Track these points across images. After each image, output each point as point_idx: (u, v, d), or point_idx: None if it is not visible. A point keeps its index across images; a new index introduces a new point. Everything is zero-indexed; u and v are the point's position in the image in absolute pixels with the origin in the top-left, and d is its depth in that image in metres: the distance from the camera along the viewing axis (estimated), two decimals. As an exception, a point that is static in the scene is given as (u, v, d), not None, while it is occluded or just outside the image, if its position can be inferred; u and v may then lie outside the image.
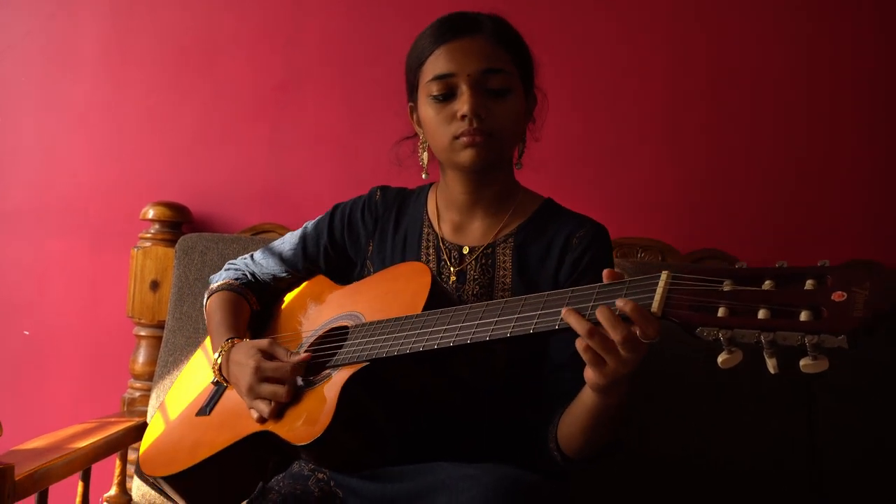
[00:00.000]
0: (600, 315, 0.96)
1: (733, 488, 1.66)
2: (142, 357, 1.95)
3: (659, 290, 0.92)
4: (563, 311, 0.99)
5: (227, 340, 1.39)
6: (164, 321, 1.91)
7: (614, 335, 0.95)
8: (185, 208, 2.02)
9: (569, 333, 1.02)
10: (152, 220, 1.99)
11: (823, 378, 1.65)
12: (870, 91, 1.94)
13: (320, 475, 1.25)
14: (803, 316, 0.81)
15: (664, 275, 0.93)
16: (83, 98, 2.15)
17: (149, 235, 1.98)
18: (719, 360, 0.86)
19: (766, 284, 0.85)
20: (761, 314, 0.83)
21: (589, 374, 1.02)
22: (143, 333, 1.97)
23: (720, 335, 0.85)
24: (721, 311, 0.86)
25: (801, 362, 0.81)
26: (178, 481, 1.32)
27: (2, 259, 2.15)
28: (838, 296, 0.80)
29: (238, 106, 2.11)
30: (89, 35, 2.15)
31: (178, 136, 2.12)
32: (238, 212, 2.08)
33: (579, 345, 0.99)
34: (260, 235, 1.98)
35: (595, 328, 0.97)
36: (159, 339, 1.92)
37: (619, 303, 0.95)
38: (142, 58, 2.14)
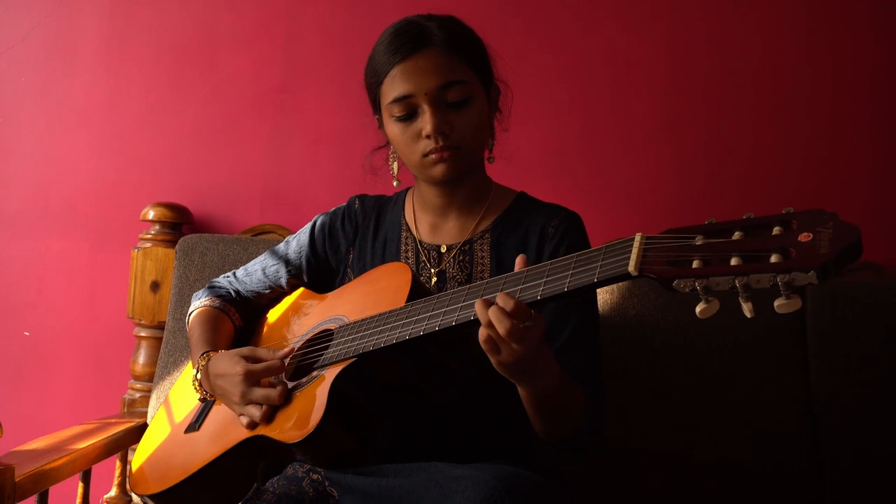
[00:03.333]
0: (489, 311, 1.03)
1: (731, 485, 1.67)
2: (142, 358, 1.95)
3: (634, 251, 0.95)
4: (476, 303, 1.05)
5: (203, 355, 1.39)
6: (165, 322, 1.91)
7: (500, 328, 1.02)
8: (185, 209, 2.02)
9: (552, 305, 1.07)
10: (152, 221, 1.99)
11: (822, 377, 1.68)
12: (871, 91, 1.94)
13: (315, 476, 1.25)
14: (773, 258, 0.85)
15: (638, 236, 0.97)
16: (83, 97, 2.15)
17: (149, 236, 1.99)
18: (697, 310, 0.90)
19: (736, 235, 0.90)
20: (734, 261, 0.87)
21: (493, 362, 1.08)
22: (143, 334, 1.97)
23: (696, 285, 0.88)
24: (695, 263, 0.89)
25: (776, 303, 0.85)
26: (168, 497, 1.32)
27: (2, 259, 2.15)
28: (804, 237, 0.85)
29: (238, 105, 2.11)
30: (89, 34, 2.15)
31: (178, 135, 2.12)
32: (238, 212, 2.09)
33: (479, 336, 1.05)
34: (260, 236, 1.98)
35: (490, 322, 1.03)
36: (160, 339, 1.93)
37: (499, 299, 1.02)
38: (141, 56, 2.14)
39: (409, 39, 1.30)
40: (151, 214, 1.98)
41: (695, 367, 1.70)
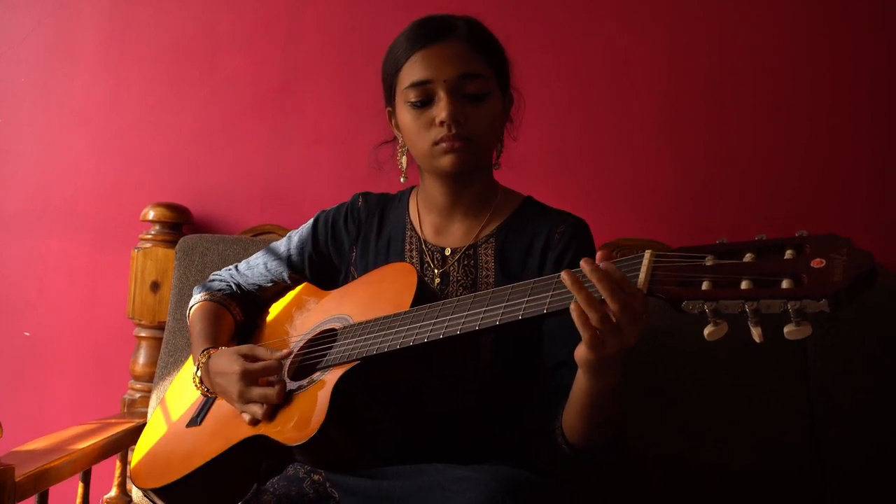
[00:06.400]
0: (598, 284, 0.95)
1: (732, 487, 1.66)
2: (142, 358, 1.95)
3: (643, 268, 0.94)
4: (563, 272, 0.98)
5: (203, 352, 1.39)
6: (165, 322, 1.91)
7: (612, 304, 0.95)
8: (185, 209, 2.02)
9: (556, 318, 1.02)
10: (153, 221, 1.99)
11: (825, 381, 1.68)
12: (871, 91, 1.94)
13: (316, 477, 1.25)
14: (785, 284, 0.83)
15: (648, 253, 0.95)
16: (83, 97, 2.15)
17: (149, 236, 1.98)
18: (705, 332, 0.89)
19: (748, 257, 0.88)
20: (744, 285, 0.86)
21: (582, 351, 1.02)
22: (143, 334, 1.97)
23: (705, 308, 0.87)
24: (705, 285, 0.88)
25: (786, 329, 0.84)
26: (170, 492, 1.32)
27: (2, 259, 2.15)
28: (817, 262, 0.83)
29: (238, 105, 2.11)
30: (89, 34, 2.15)
31: (178, 135, 2.12)
32: (238, 212, 2.08)
33: (577, 321, 0.98)
34: (260, 237, 1.98)
35: (596, 299, 0.96)
36: (160, 340, 1.92)
37: (603, 264, 0.96)
38: (141, 56, 2.14)
39: (433, 29, 1.32)
40: (151, 215, 1.98)
41: (697, 374, 1.70)
